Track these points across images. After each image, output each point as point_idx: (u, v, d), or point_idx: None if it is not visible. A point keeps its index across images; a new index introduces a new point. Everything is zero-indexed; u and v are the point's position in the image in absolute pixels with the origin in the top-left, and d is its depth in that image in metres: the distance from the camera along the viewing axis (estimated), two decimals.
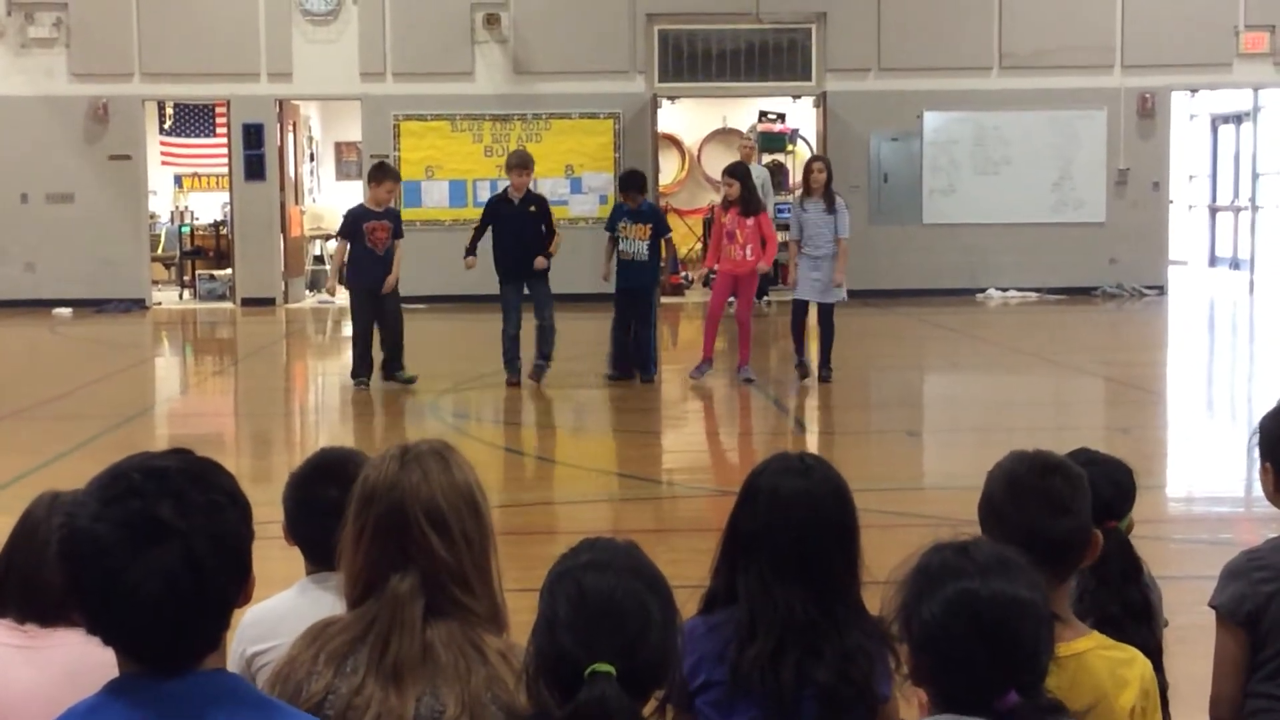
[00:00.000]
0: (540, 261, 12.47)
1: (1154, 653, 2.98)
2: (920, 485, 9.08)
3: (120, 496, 1.96)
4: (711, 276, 12.96)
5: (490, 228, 12.65)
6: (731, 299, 12.79)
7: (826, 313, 12.57)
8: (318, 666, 2.49)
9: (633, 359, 12.75)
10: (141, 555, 1.92)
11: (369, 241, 12.44)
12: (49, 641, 2.94)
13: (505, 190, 12.84)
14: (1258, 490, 4.18)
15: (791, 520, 2.86)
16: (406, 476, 2.54)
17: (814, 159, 13.37)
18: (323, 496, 3.08)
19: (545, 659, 2.23)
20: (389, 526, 2.52)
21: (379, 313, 12.52)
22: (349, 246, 12.81)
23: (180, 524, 1.94)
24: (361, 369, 12.55)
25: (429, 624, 2.48)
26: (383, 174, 12.83)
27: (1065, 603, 2.83)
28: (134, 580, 1.92)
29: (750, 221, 12.50)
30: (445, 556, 2.50)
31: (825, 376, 12.57)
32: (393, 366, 12.60)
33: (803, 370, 12.64)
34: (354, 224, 12.57)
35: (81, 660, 2.77)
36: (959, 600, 2.25)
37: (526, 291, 12.56)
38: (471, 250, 12.70)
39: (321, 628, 2.55)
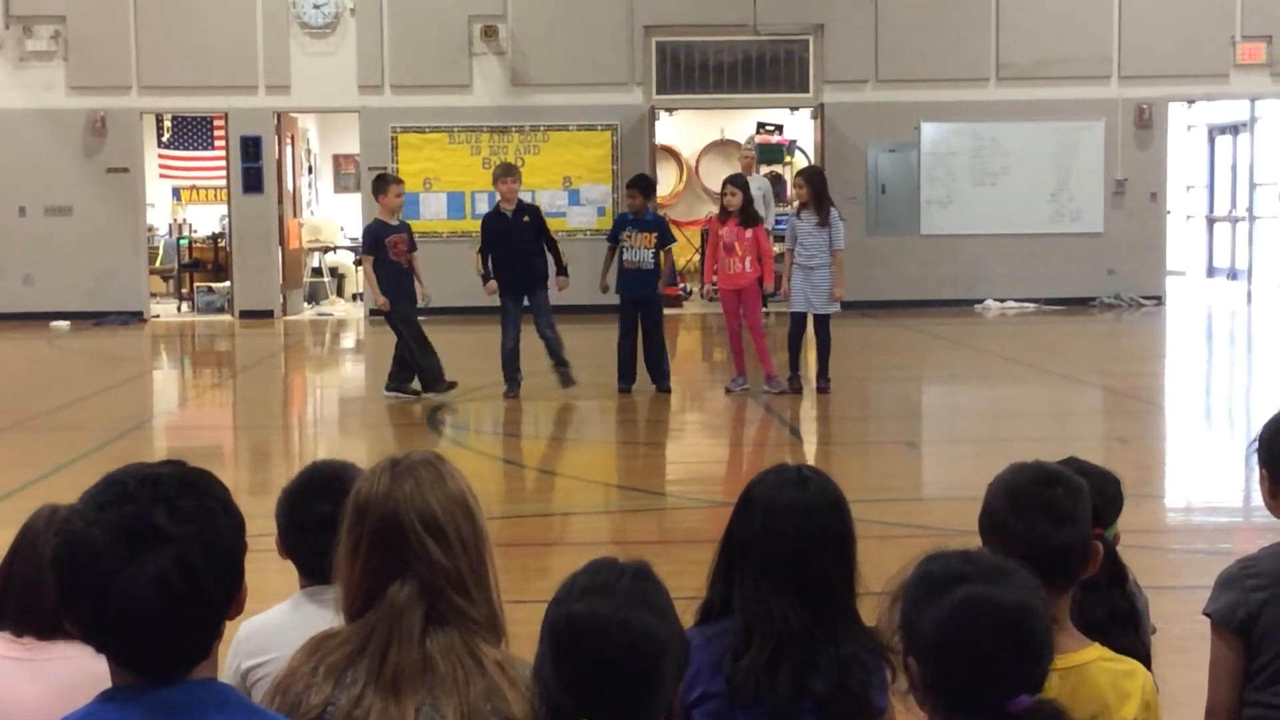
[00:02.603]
0: (563, 283, 12.63)
1: (1142, 659, 2.99)
2: (920, 496, 9.08)
3: (114, 502, 1.97)
4: (712, 290, 12.87)
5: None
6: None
7: (822, 323, 12.55)
8: (317, 679, 2.48)
9: (648, 369, 12.71)
10: (135, 560, 1.93)
11: (393, 254, 12.42)
12: (48, 654, 2.95)
13: (497, 205, 12.85)
14: (1256, 499, 4.18)
15: (788, 532, 2.85)
16: (399, 487, 2.54)
17: (798, 173, 13.36)
18: (316, 510, 3.07)
19: (542, 694, 2.22)
20: (385, 537, 2.51)
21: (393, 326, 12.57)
22: (373, 262, 12.66)
23: (173, 530, 1.95)
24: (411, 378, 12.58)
25: (428, 634, 2.47)
26: (386, 182, 12.85)
27: (1066, 614, 2.82)
28: (127, 584, 1.92)
29: (749, 233, 12.48)
30: (443, 562, 2.50)
31: (823, 387, 12.54)
32: (406, 377, 12.58)
33: (794, 384, 12.49)
34: (375, 240, 12.53)
35: (81, 672, 2.77)
36: (967, 604, 2.24)
37: (526, 303, 12.58)
38: (488, 273, 12.59)
39: (320, 640, 2.55)
